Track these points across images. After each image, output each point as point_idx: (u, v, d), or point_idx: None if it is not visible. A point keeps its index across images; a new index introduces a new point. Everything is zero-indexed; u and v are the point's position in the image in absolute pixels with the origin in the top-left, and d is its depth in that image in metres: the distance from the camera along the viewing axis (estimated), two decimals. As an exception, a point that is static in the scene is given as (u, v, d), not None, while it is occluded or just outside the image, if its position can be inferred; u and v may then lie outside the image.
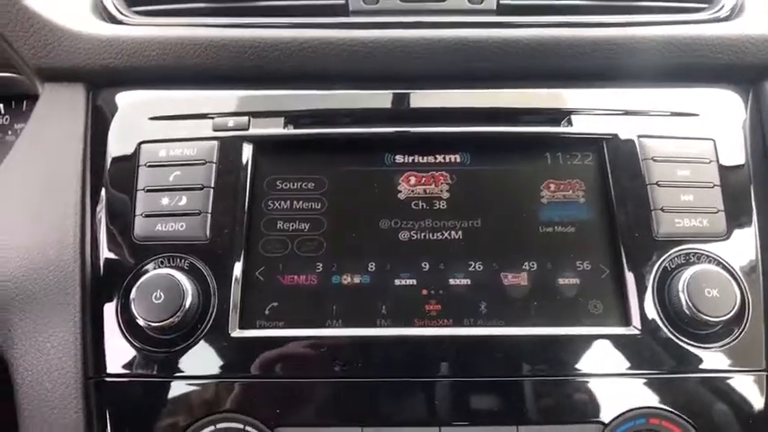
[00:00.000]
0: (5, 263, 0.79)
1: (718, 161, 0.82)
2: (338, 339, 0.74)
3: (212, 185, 0.79)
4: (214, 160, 0.81)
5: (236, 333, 0.74)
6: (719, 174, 0.81)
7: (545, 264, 0.78)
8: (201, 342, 0.74)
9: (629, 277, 0.76)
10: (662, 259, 0.77)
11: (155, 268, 0.76)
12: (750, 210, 0.81)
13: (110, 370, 0.75)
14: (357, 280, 0.77)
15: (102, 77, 0.87)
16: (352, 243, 0.79)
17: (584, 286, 0.77)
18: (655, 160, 0.81)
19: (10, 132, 1.12)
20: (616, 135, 0.82)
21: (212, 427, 0.71)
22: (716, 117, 0.85)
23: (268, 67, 0.85)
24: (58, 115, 0.87)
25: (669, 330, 0.74)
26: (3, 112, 1.12)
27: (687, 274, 0.74)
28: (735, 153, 0.83)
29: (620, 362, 0.74)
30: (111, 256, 0.79)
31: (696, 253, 0.77)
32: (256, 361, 0.73)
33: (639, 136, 0.82)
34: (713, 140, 0.83)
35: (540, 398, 0.72)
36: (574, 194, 0.81)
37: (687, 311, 0.73)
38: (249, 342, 0.74)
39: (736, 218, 0.79)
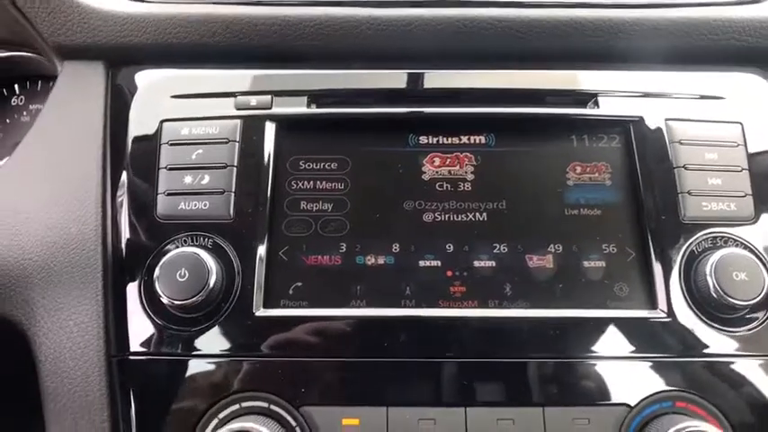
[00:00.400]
0: (27, 241, 0.79)
1: (746, 145, 0.81)
2: (363, 319, 0.74)
3: (235, 164, 0.79)
4: (237, 139, 0.80)
5: (261, 312, 0.74)
6: (747, 157, 0.80)
7: (570, 246, 0.77)
8: (226, 321, 0.74)
9: (656, 260, 0.76)
10: (689, 243, 0.76)
11: (178, 247, 0.75)
12: None
13: (133, 348, 0.75)
14: (381, 261, 0.77)
15: (123, 55, 0.86)
16: (376, 224, 0.78)
17: (610, 269, 0.76)
18: (682, 143, 0.80)
19: (25, 113, 1.12)
20: (643, 117, 0.82)
21: (237, 406, 0.71)
22: (744, 101, 0.84)
23: (291, 45, 0.84)
24: (77, 93, 0.86)
25: (696, 314, 0.74)
26: (18, 92, 1.11)
27: (715, 257, 0.73)
28: (763, 137, 0.82)
29: (645, 345, 0.73)
30: (134, 234, 0.78)
31: (723, 237, 0.77)
32: (281, 340, 0.73)
33: (667, 119, 0.82)
34: (741, 124, 0.82)
35: (565, 379, 0.72)
36: (600, 177, 0.80)
37: (714, 295, 0.72)
38: (274, 321, 0.74)
39: (764, 201, 0.79)
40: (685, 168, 0.79)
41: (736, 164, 0.80)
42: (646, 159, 0.80)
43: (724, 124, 0.82)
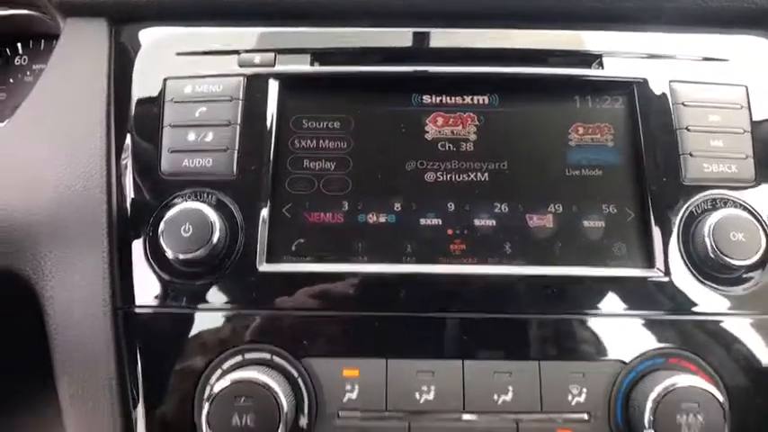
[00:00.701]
0: (33, 198, 0.80)
1: (749, 107, 0.81)
2: (364, 275, 0.75)
3: (239, 122, 0.79)
4: (240, 97, 0.80)
5: (264, 267, 0.75)
6: (750, 120, 0.80)
7: (570, 206, 0.78)
8: (229, 275, 0.75)
9: (655, 221, 0.77)
10: (688, 203, 0.77)
11: (182, 203, 0.76)
12: None
13: (138, 301, 0.76)
14: (383, 219, 0.78)
15: (126, 12, 0.86)
16: (378, 182, 0.79)
17: (609, 229, 0.77)
18: (685, 105, 0.80)
19: (29, 73, 1.12)
20: (647, 79, 0.81)
21: (240, 357, 0.73)
22: (749, 63, 0.83)
23: (295, 2, 0.83)
24: (80, 51, 0.86)
25: (692, 273, 0.75)
26: (21, 52, 1.11)
27: (713, 218, 0.74)
28: (767, 100, 0.82)
29: (642, 303, 0.75)
30: (139, 190, 0.79)
31: (723, 198, 0.77)
32: (283, 294, 0.74)
33: (671, 81, 0.81)
34: (745, 87, 0.82)
35: (561, 335, 0.74)
36: (602, 138, 0.80)
37: (712, 255, 0.73)
38: (276, 276, 0.75)
39: (765, 164, 0.79)
40: (687, 130, 0.79)
41: (738, 126, 0.80)
42: (649, 121, 0.80)
43: (728, 87, 0.82)
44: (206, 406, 0.68)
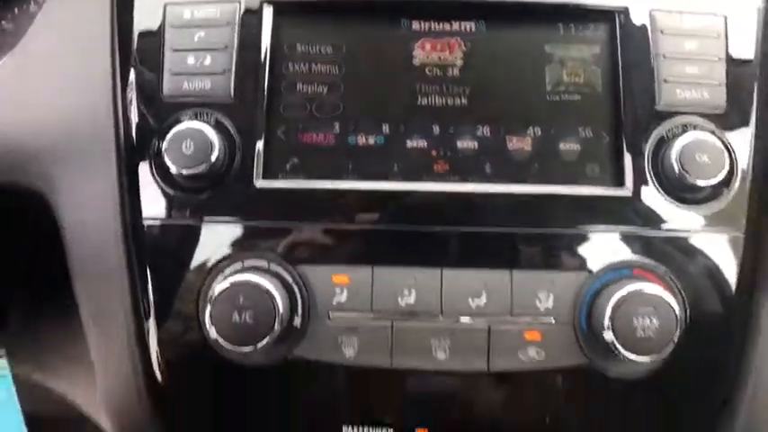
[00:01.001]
0: (40, 123, 0.85)
1: (726, 36, 0.84)
2: (353, 191, 0.81)
3: (235, 47, 0.83)
4: (236, 22, 0.84)
5: (260, 183, 0.81)
6: (726, 49, 0.83)
7: (549, 129, 0.82)
8: (229, 190, 0.81)
9: (627, 144, 0.81)
10: (660, 127, 0.81)
11: (183, 122, 0.81)
12: (752, 86, 0.83)
13: (146, 215, 0.82)
14: (372, 141, 0.83)
15: None
16: (368, 106, 0.84)
17: (585, 151, 0.82)
18: (663, 33, 0.83)
19: (33, 3, 1.14)
20: (628, 8, 0.84)
21: (239, 264, 0.80)
22: (730, -8, 0.86)
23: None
24: None
25: (660, 192, 0.80)
26: (24, -19, 1.13)
27: (682, 141, 0.78)
28: (745, 30, 0.85)
29: (611, 219, 0.80)
30: (143, 112, 0.84)
31: (693, 123, 0.81)
32: (279, 208, 0.81)
33: (651, 10, 0.84)
34: (724, 17, 0.84)
35: (533, 248, 0.80)
36: (582, 66, 0.84)
37: (678, 175, 0.78)
38: (272, 191, 0.81)
39: (736, 92, 0.82)
40: (664, 57, 0.82)
41: (714, 54, 0.83)
42: (628, 48, 0.83)
43: (708, 16, 0.84)
44: (209, 306, 0.75)
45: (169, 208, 0.82)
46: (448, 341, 0.78)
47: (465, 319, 0.78)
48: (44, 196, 0.86)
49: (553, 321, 0.79)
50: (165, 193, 0.82)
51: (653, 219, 0.80)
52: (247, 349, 0.74)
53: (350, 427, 0.81)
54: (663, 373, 0.78)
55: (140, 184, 0.83)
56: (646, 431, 0.82)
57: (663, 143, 0.81)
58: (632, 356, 0.73)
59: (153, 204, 0.82)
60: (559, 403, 0.80)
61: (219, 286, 0.75)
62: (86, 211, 0.84)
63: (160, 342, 0.81)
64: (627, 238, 0.80)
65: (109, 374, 0.85)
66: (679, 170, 0.78)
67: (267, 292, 0.75)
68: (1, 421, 0.89)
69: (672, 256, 0.80)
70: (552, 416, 0.80)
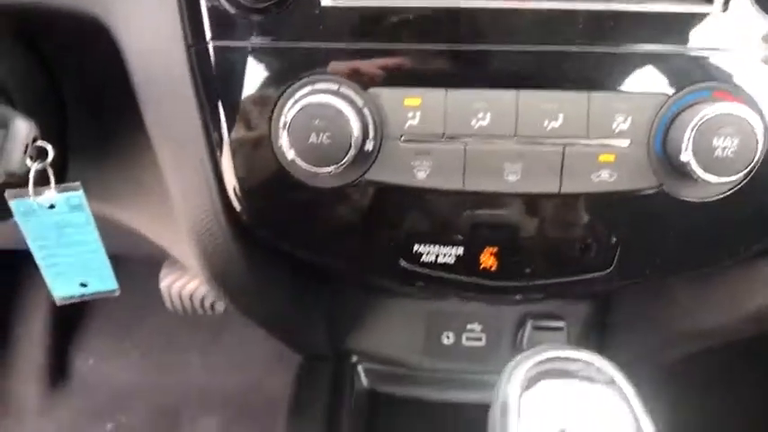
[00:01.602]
0: None
1: None
2: (425, 9, 0.77)
3: None
4: None
5: (327, 2, 0.77)
6: None
7: None
8: (295, 10, 0.77)
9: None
10: None
11: None
12: None
13: (209, 37, 0.79)
14: None
15: None
16: None
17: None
18: None
19: None
20: None
21: (310, 87, 0.78)
22: None
23: None
24: None
25: (755, 7, 0.75)
26: None
27: None
28: None
29: (695, 39, 0.76)
30: None
31: None
32: (348, 28, 0.77)
33: None
34: None
35: (612, 68, 0.77)
36: None
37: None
38: (340, 10, 0.77)
39: None
40: None
41: None
42: None
43: None
44: (285, 128, 0.75)
45: (233, 30, 0.79)
46: (520, 163, 0.78)
47: (540, 142, 0.78)
48: (103, 21, 0.83)
49: (628, 143, 0.78)
50: (227, 15, 0.78)
51: (741, 39, 0.76)
52: (326, 170, 0.75)
53: (421, 245, 0.84)
54: (736, 196, 0.79)
55: (202, 4, 0.79)
56: (715, 250, 0.84)
57: None
58: (709, 177, 0.73)
59: (216, 26, 0.79)
60: (628, 225, 0.82)
61: (294, 108, 0.75)
62: (146, 33, 0.81)
63: (235, 168, 0.83)
64: (709, 60, 0.77)
65: (188, 202, 0.88)
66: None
67: (341, 114, 0.74)
68: (84, 248, 0.94)
69: (757, 79, 0.77)
70: (620, 237, 0.83)
